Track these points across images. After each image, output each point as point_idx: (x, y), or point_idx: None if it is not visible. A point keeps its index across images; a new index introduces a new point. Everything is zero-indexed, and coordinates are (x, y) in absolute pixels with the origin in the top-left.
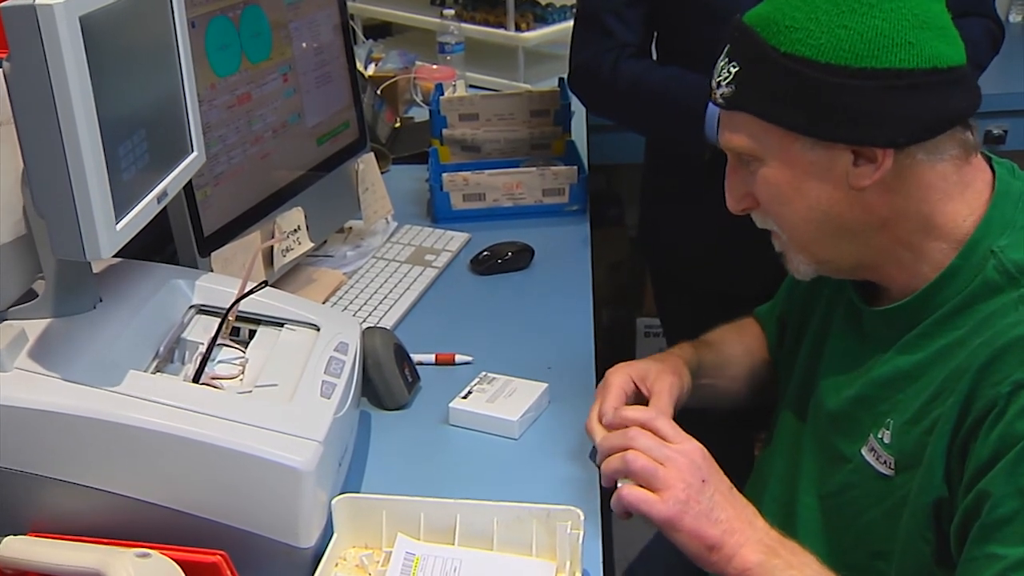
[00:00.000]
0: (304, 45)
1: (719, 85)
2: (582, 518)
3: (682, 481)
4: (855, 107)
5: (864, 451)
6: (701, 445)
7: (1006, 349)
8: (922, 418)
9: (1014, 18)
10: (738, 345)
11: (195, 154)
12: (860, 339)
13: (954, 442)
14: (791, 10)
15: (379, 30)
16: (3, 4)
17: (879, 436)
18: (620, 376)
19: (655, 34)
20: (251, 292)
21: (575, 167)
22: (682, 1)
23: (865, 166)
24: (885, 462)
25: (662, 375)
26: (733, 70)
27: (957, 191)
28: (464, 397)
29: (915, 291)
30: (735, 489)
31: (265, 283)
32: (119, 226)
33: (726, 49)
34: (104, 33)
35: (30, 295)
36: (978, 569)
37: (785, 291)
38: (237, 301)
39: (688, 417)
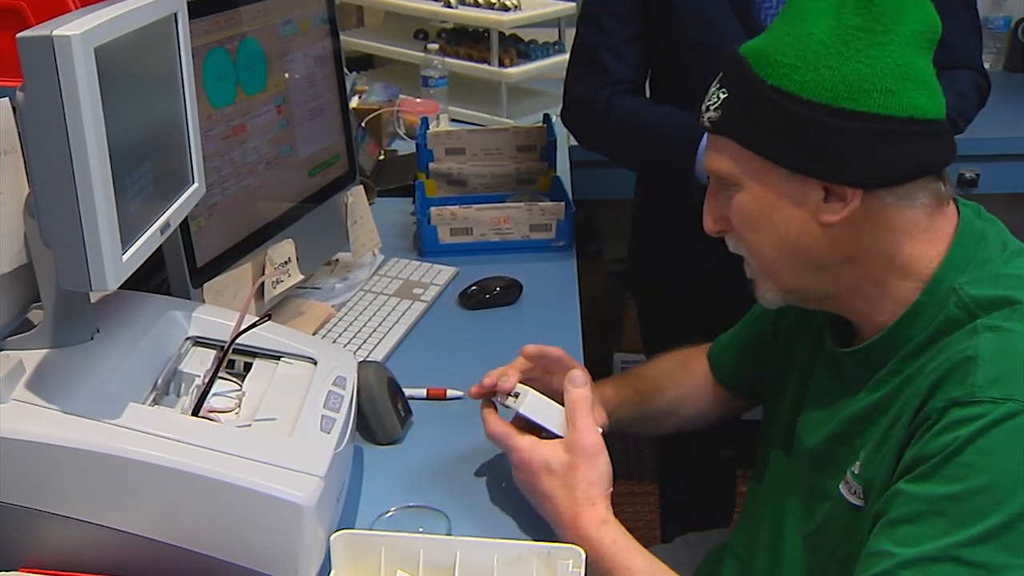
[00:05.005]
0: (298, 77)
1: (707, 109)
2: (583, 557)
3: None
4: (830, 145)
5: (841, 486)
6: (527, 454)
7: (951, 371)
8: (883, 444)
9: None
10: (672, 392)
11: (196, 185)
12: (839, 380)
13: (899, 461)
14: (783, 45)
15: (362, 62)
16: (20, 34)
17: (852, 469)
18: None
19: (650, 71)
20: (254, 326)
21: (563, 203)
22: (678, 40)
23: (834, 203)
24: (855, 492)
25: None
26: (722, 96)
27: (926, 236)
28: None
29: (882, 329)
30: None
31: (268, 316)
32: (125, 257)
33: (719, 76)
34: (116, 64)
35: (25, 325)
36: (869, 565)
37: (760, 331)
38: (239, 335)
39: (670, 451)
